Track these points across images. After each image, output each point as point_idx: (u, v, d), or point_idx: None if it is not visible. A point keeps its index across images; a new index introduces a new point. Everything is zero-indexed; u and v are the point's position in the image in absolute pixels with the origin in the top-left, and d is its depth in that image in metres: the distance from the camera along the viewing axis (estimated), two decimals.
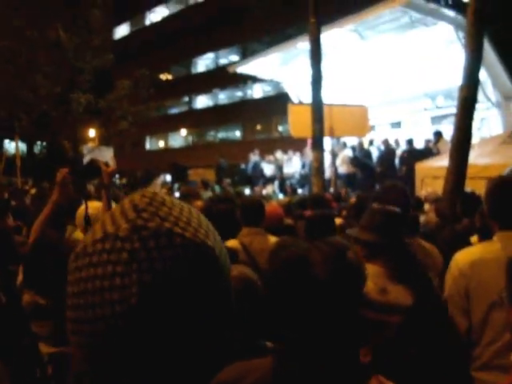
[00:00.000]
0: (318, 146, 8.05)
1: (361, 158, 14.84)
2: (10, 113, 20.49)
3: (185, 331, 0.68)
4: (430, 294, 2.41)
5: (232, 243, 3.95)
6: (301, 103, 10.40)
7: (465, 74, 6.38)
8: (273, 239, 4.23)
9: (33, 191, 12.97)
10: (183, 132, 39.31)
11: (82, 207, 4.17)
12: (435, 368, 2.20)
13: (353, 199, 7.17)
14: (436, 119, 17.69)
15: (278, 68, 19.19)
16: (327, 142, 17.77)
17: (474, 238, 4.02)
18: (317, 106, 7.97)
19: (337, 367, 1.33)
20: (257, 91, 35.05)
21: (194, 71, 39.60)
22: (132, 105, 22.15)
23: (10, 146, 28.92)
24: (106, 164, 3.34)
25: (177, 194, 10.33)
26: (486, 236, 3.01)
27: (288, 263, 1.48)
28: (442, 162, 11.28)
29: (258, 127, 35.51)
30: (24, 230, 6.11)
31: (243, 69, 20.53)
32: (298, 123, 9.96)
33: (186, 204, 0.78)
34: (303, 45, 16.65)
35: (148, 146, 43.84)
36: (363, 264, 1.58)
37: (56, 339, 2.84)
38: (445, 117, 17.42)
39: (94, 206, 3.84)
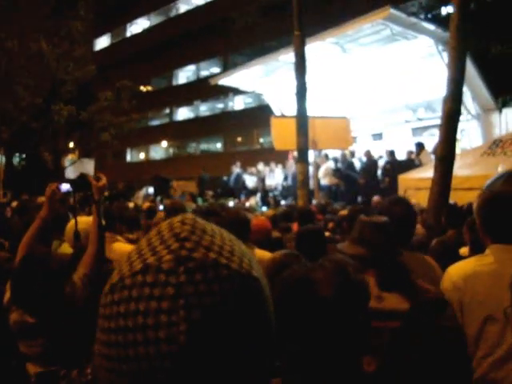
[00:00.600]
0: (302, 158, 8.07)
1: (344, 170, 14.92)
2: None
3: (232, 365, 0.64)
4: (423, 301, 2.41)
5: None
6: (283, 116, 10.38)
7: (448, 87, 6.45)
8: (259, 253, 4.23)
9: (14, 204, 12.75)
10: (164, 144, 39.20)
11: (72, 222, 4.12)
12: (437, 373, 2.19)
13: (343, 212, 7.19)
14: (417, 131, 17.88)
15: (260, 80, 19.29)
16: (310, 154, 17.99)
17: (463, 250, 4.05)
18: (301, 119, 7.98)
19: (339, 378, 1.33)
20: (238, 103, 35.14)
21: (175, 83, 39.58)
22: (114, 116, 22.04)
23: None
24: (97, 178, 3.29)
25: (161, 207, 10.25)
26: (477, 249, 3.03)
27: (292, 283, 1.48)
28: (425, 173, 11.39)
29: (240, 139, 35.54)
30: (6, 244, 5.99)
31: (225, 81, 20.62)
32: (280, 136, 9.96)
33: (223, 230, 0.75)
34: (285, 57, 16.78)
35: (129, 157, 43.60)
36: (365, 280, 1.58)
37: (45, 359, 2.78)
38: (426, 128, 17.63)
39: (84, 220, 3.79)
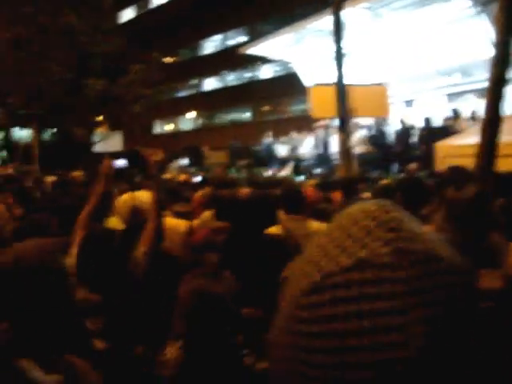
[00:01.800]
0: (344, 127, 7.95)
1: (378, 138, 14.71)
2: (23, 100, 20.35)
3: (463, 366, 0.58)
4: None
5: (274, 230, 3.90)
6: (321, 84, 10.20)
7: (496, 49, 6.24)
8: (315, 224, 4.18)
9: (49, 179, 12.83)
10: (192, 115, 39.14)
11: (124, 197, 4.12)
12: None
13: (384, 181, 7.08)
14: (452, 96, 17.48)
15: (288, 48, 19.00)
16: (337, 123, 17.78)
17: None
18: (340, 86, 7.84)
19: None
20: (266, 72, 34.78)
21: (201, 53, 39.31)
22: (144, 88, 21.94)
23: (20, 133, 28.84)
24: (152, 153, 3.25)
25: (197, 179, 10.24)
26: None
27: None
28: (463, 140, 11.17)
29: (269, 108, 35.30)
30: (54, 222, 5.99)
31: (253, 50, 20.36)
32: (320, 104, 9.80)
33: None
34: (314, 25, 16.51)
35: (157, 129, 43.67)
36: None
37: (109, 335, 2.81)
38: (461, 94, 17.21)
39: (143, 196, 3.75)
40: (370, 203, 0.64)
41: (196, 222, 5.11)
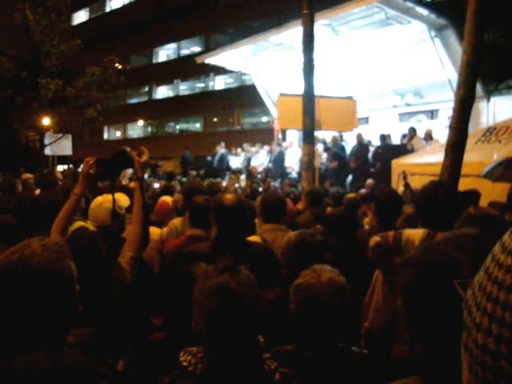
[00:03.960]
0: (309, 139, 7.93)
1: (335, 151, 14.88)
2: None
3: None
4: None
5: (254, 239, 3.80)
6: (288, 95, 10.17)
7: (463, 71, 6.38)
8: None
9: None
10: (142, 122, 38.68)
11: (98, 200, 3.93)
12: None
13: (350, 195, 7.10)
14: (404, 116, 17.92)
15: (247, 60, 19.08)
16: (294, 136, 17.90)
17: None
18: (308, 98, 7.83)
19: None
20: (219, 83, 34.77)
21: (155, 61, 38.95)
22: (99, 92, 21.49)
23: None
24: (139, 154, 3.07)
25: (156, 186, 10.04)
26: None
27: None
28: (419, 158, 11.41)
29: (219, 119, 35.26)
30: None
31: (211, 60, 20.31)
32: (286, 115, 9.75)
33: None
34: (275, 38, 16.62)
35: (106, 135, 42.85)
36: None
37: (92, 348, 2.63)
38: (413, 114, 17.67)
39: (120, 198, 3.60)
40: None
41: (165, 230, 4.96)
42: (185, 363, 1.95)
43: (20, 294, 1.52)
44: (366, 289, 3.14)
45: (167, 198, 5.74)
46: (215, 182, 13.49)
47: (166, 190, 6.85)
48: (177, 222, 4.96)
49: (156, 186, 10.20)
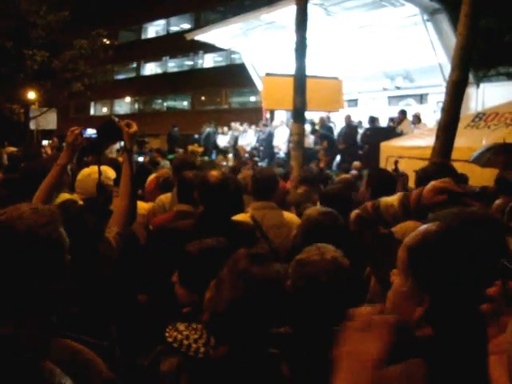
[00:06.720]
0: (299, 119, 7.86)
1: (323, 132, 14.80)
2: None
3: None
4: None
5: (242, 217, 3.72)
6: (274, 74, 10.04)
7: (457, 54, 6.34)
8: (287, 215, 4.03)
9: None
10: (129, 99, 38.25)
11: (84, 172, 3.83)
12: None
13: (344, 175, 7.05)
14: (393, 100, 17.88)
15: (237, 38, 18.87)
16: (283, 116, 17.81)
17: None
18: (300, 78, 7.74)
19: None
20: (208, 61, 34.42)
21: (143, 37, 38.43)
22: (87, 66, 21.13)
23: None
24: (128, 124, 2.96)
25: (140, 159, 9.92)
26: None
27: None
28: (407, 142, 11.43)
29: (207, 98, 34.98)
30: None
31: (201, 37, 20.07)
32: (272, 95, 9.65)
33: None
34: (266, 16, 16.42)
35: (92, 111, 42.33)
36: None
37: (77, 327, 2.55)
38: (402, 97, 17.64)
39: (107, 171, 3.50)
40: None
41: (151, 205, 4.88)
42: (170, 339, 1.89)
43: (2, 258, 1.40)
44: (362, 269, 3.08)
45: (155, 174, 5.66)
46: (209, 161, 13.47)
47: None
48: (163, 198, 4.89)
49: (140, 159, 10.07)
